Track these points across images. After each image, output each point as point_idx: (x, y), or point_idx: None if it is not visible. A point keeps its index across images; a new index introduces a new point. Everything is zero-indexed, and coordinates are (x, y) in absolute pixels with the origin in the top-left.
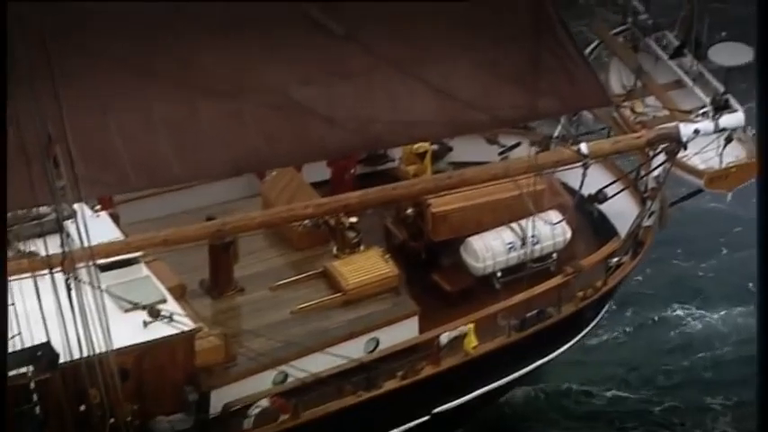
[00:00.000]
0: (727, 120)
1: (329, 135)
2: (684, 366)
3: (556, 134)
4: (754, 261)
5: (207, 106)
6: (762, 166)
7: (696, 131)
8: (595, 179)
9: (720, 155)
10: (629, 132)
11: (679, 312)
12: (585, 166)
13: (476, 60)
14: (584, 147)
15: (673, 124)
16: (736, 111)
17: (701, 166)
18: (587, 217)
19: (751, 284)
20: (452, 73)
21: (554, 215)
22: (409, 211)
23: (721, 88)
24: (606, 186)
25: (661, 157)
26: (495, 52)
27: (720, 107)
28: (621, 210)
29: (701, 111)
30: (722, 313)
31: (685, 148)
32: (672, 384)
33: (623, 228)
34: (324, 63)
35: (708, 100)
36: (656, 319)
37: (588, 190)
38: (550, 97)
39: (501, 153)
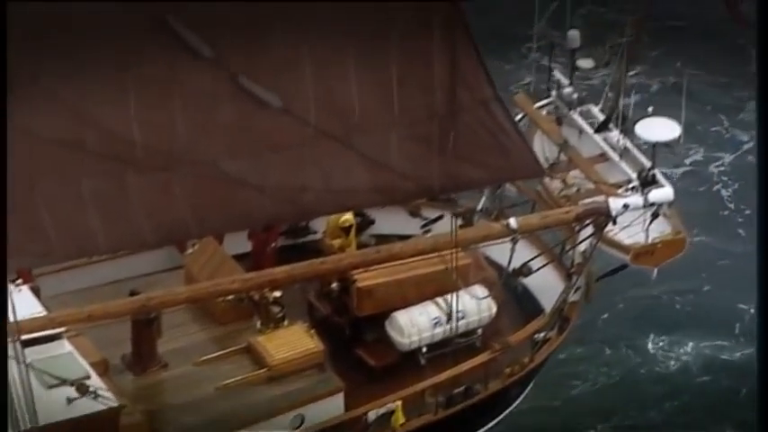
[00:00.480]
0: (657, 195)
1: (259, 205)
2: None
3: (479, 207)
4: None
5: (136, 178)
6: (762, 166)
7: (626, 206)
8: (519, 253)
9: (646, 230)
10: (553, 206)
11: (654, 348)
12: (514, 241)
13: (409, 131)
14: (512, 221)
15: (601, 198)
16: (663, 186)
17: (627, 241)
18: (511, 292)
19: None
20: (385, 143)
21: (480, 290)
22: (334, 285)
23: (648, 163)
24: (530, 260)
25: (587, 232)
26: (429, 124)
27: (647, 182)
28: (546, 284)
29: (630, 185)
30: (698, 350)
31: (614, 223)
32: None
33: (548, 303)
34: (257, 134)
35: (634, 175)
36: (632, 353)
37: (512, 264)
38: (483, 169)
39: (423, 226)
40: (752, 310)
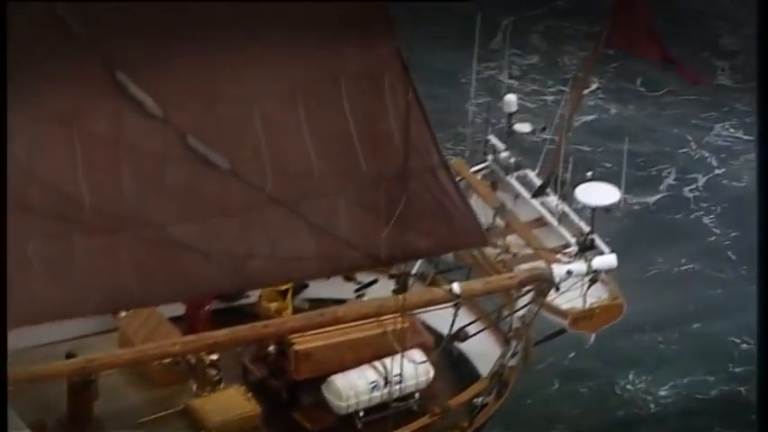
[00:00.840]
0: (601, 261)
1: (205, 272)
2: None
3: (414, 271)
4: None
5: (83, 241)
6: (762, 167)
7: (569, 272)
8: (456, 318)
9: (584, 295)
10: (490, 271)
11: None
12: (457, 306)
13: (356, 198)
14: (456, 286)
15: (543, 264)
16: (602, 251)
17: (565, 306)
18: (447, 356)
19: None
20: (333, 209)
21: (417, 354)
22: (271, 348)
23: (587, 228)
24: (467, 325)
25: (526, 297)
26: (375, 191)
27: (586, 247)
28: (483, 349)
29: (569, 250)
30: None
31: (557, 290)
32: None
33: (484, 368)
34: (204, 198)
35: (573, 240)
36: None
37: (448, 329)
38: (429, 237)
39: (357, 290)
40: (744, 345)
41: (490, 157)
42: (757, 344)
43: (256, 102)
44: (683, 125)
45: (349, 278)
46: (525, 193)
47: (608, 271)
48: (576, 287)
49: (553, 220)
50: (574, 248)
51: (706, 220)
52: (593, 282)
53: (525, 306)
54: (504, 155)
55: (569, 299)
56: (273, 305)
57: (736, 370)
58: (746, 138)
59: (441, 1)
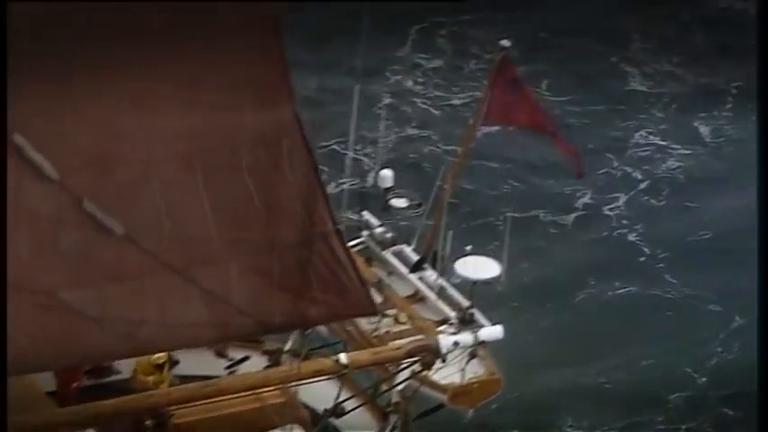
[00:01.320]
0: (488, 333)
1: (98, 339)
2: None
3: (287, 347)
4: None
5: None
6: (762, 166)
7: (456, 344)
8: (333, 393)
9: (463, 370)
10: (366, 346)
11: None
12: (342, 378)
13: (249, 265)
14: (343, 357)
15: (421, 337)
16: (483, 325)
17: (443, 382)
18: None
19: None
20: (226, 276)
21: (297, 430)
22: (148, 422)
23: (466, 302)
24: (344, 401)
25: (406, 372)
26: (269, 258)
27: (466, 321)
28: (360, 425)
29: (449, 325)
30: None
31: (443, 361)
32: None
33: None
34: (99, 263)
35: (453, 314)
36: None
37: (324, 404)
38: (321, 305)
39: (228, 367)
40: (695, 376)
41: (365, 233)
42: (757, 344)
43: (154, 166)
44: (600, 136)
45: (221, 354)
46: (402, 269)
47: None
48: (454, 363)
49: (432, 295)
50: (454, 323)
51: (631, 237)
52: (472, 357)
53: (405, 381)
54: (379, 230)
55: (446, 375)
56: (150, 378)
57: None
58: (662, 143)
59: (440, 1)
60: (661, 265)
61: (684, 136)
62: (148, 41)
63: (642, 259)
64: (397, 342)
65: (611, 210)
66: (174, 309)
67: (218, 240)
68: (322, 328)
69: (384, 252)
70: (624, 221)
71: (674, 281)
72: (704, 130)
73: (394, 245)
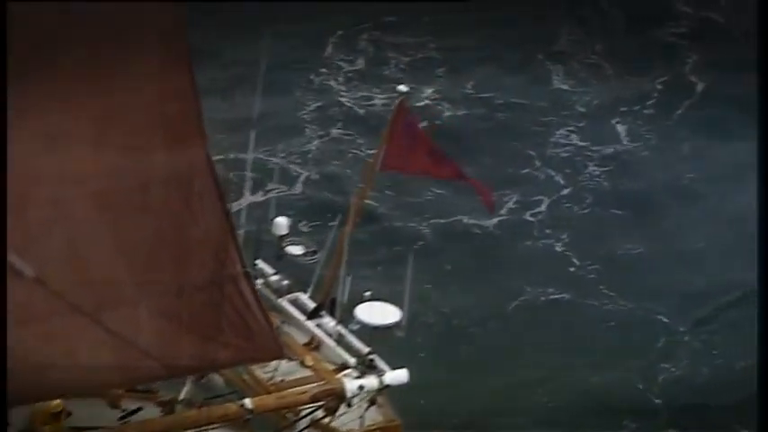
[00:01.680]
0: (393, 376)
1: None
2: None
3: (181, 397)
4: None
5: None
6: (762, 165)
7: (361, 388)
8: None
9: (362, 417)
10: (262, 394)
11: None
12: (248, 422)
13: (158, 308)
14: (248, 402)
15: (317, 384)
16: (383, 371)
17: (343, 429)
18: None
19: None
20: (133, 320)
21: None
22: None
23: (365, 348)
24: None
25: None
26: (178, 301)
27: (366, 367)
28: None
29: (348, 371)
30: None
31: (349, 405)
32: None
33: None
34: (9, 306)
35: (352, 360)
36: None
37: None
38: (229, 349)
39: (121, 418)
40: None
41: (260, 281)
42: (757, 344)
43: (66, 206)
44: (522, 137)
45: (114, 405)
46: (299, 316)
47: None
48: (352, 410)
49: (330, 342)
50: (354, 369)
51: (558, 248)
52: (372, 403)
53: (306, 429)
54: (274, 278)
55: (345, 422)
56: (47, 428)
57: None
58: (582, 144)
59: (438, 1)
60: (593, 275)
61: (605, 138)
62: (62, 80)
63: (572, 269)
64: (302, 387)
65: (533, 215)
66: (82, 351)
67: (128, 282)
68: (217, 378)
69: (280, 300)
70: (548, 231)
71: (611, 293)
72: (622, 130)
73: (290, 293)
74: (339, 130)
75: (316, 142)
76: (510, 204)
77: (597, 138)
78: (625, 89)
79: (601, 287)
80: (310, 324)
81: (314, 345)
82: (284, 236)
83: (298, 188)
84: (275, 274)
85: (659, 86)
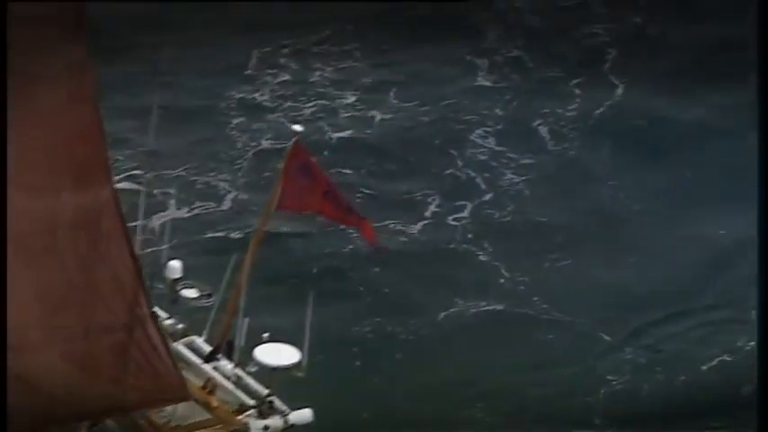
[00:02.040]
0: (298, 416)
1: None
2: None
3: None
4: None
5: None
6: (762, 165)
7: (266, 428)
8: None
9: None
10: None
11: None
12: None
13: (65, 352)
14: None
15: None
16: (283, 412)
17: None
18: None
19: None
20: (42, 364)
21: None
22: None
23: (264, 390)
24: None
25: None
26: (84, 343)
27: (266, 409)
28: None
29: (249, 413)
30: None
31: None
32: None
33: None
34: None
35: (252, 402)
36: None
37: None
38: (136, 392)
39: None
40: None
41: None
42: (757, 344)
43: None
44: (443, 134)
45: None
46: (195, 359)
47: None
48: None
49: (228, 384)
50: (253, 411)
51: (483, 257)
52: None
53: None
54: (168, 322)
55: None
56: None
57: None
58: (500, 149)
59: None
60: (521, 289)
61: (525, 140)
62: None
63: (502, 281)
64: (203, 430)
65: (455, 220)
66: None
67: (36, 325)
68: (111, 425)
69: (175, 344)
70: (470, 236)
71: (544, 304)
72: (544, 132)
73: (184, 336)
74: (269, 142)
75: (249, 153)
76: (434, 207)
77: (518, 142)
78: (547, 90)
79: (534, 299)
80: (207, 367)
81: (209, 389)
82: (178, 279)
83: (226, 204)
84: (169, 318)
85: (577, 91)
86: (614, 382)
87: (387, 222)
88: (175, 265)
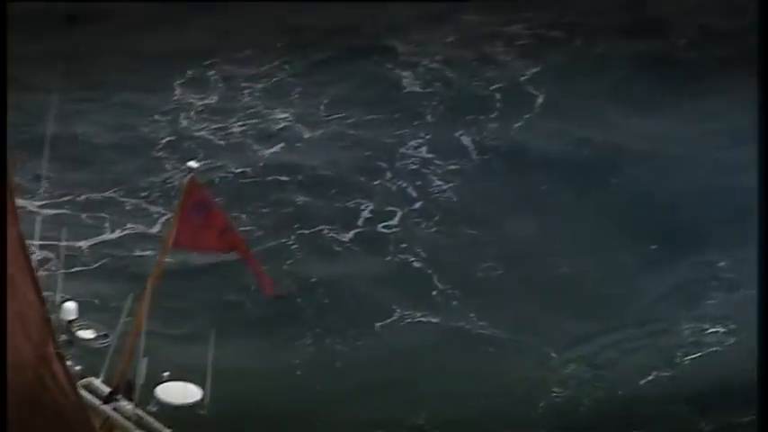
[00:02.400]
0: None
1: None
2: None
3: None
4: None
5: None
6: (762, 165)
7: None
8: None
9: None
10: None
11: None
12: None
13: None
14: None
15: None
16: None
17: None
18: None
19: None
20: None
21: None
22: None
23: (166, 430)
24: None
25: None
26: None
27: None
28: None
29: None
30: None
31: None
32: None
33: None
34: None
35: None
36: None
37: None
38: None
39: None
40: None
41: None
42: (758, 344)
43: None
44: (375, 145)
45: None
46: (95, 400)
47: None
48: None
49: (128, 424)
50: None
51: (417, 264)
52: None
53: None
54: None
55: None
56: None
57: None
58: (428, 156)
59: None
60: (455, 302)
61: (451, 148)
62: None
63: (435, 293)
64: None
65: (386, 228)
66: None
67: None
68: None
69: None
70: (403, 245)
71: (473, 315)
72: (467, 141)
73: (83, 378)
74: (201, 162)
75: (177, 176)
76: (366, 214)
77: (445, 150)
78: (469, 98)
79: (471, 314)
80: (106, 408)
81: (105, 429)
82: (73, 320)
83: (156, 228)
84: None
85: (498, 95)
86: (553, 395)
87: (321, 227)
88: (70, 307)
